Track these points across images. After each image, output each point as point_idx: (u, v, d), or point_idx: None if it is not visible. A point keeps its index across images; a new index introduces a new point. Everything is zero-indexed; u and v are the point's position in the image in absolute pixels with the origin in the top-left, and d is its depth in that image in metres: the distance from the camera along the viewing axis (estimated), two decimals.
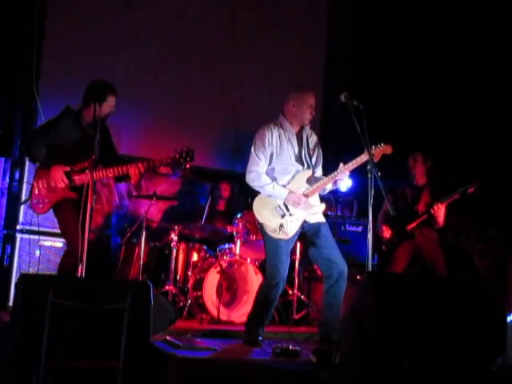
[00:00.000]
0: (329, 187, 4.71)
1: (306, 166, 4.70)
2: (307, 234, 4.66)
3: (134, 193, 6.87)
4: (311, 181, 4.68)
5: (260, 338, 4.55)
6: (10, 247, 5.75)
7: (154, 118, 6.96)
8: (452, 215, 6.00)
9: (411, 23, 7.43)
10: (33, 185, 4.87)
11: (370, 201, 4.27)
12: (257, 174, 4.59)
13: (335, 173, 4.57)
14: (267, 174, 4.63)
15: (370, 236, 4.19)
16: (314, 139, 4.83)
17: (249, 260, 5.95)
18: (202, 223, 6.39)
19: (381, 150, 4.52)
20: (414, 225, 5.85)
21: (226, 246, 6.14)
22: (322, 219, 4.72)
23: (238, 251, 5.97)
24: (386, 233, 5.92)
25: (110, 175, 4.81)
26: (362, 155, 4.47)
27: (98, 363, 3.55)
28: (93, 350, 3.56)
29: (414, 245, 5.92)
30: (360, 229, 6.41)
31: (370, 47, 7.58)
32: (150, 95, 6.93)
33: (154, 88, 6.95)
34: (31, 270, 5.47)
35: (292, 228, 4.56)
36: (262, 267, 6.14)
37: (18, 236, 5.67)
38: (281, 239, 4.54)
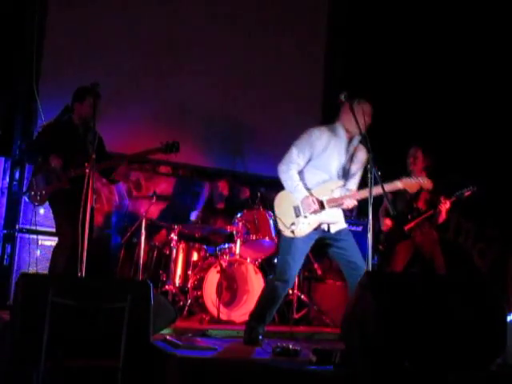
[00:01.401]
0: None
1: (340, 176, 4.59)
2: (327, 238, 4.62)
3: (135, 193, 6.88)
4: (337, 192, 4.57)
5: (260, 337, 4.55)
6: (10, 247, 5.77)
7: (153, 118, 6.96)
8: (452, 215, 6.00)
9: (412, 21, 7.44)
10: (31, 179, 5.15)
11: (370, 201, 4.27)
12: (287, 167, 4.53)
13: (347, 194, 4.51)
14: (300, 171, 4.56)
15: (369, 236, 4.18)
16: (360, 154, 4.61)
17: (249, 259, 5.95)
18: (199, 223, 6.39)
19: (419, 183, 4.48)
20: (411, 225, 5.85)
21: (226, 245, 6.13)
22: (343, 226, 4.66)
23: (237, 251, 5.97)
24: (388, 223, 5.90)
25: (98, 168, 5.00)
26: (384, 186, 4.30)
27: (98, 363, 3.55)
28: (93, 349, 3.56)
29: (413, 243, 5.92)
30: (360, 228, 6.40)
31: (370, 46, 7.58)
32: (150, 95, 6.94)
33: (154, 88, 6.96)
34: (31, 270, 5.48)
35: (301, 230, 4.51)
36: (262, 267, 6.15)
37: (18, 236, 5.68)
38: (296, 237, 4.51)
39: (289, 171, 4.54)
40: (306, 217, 4.50)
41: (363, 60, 7.58)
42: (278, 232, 6.09)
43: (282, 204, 4.61)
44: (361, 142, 4.57)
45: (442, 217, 5.78)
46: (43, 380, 3.36)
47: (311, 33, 7.87)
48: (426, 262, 5.93)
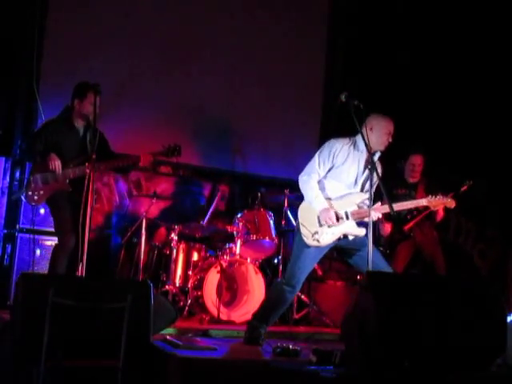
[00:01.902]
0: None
1: (359, 189, 4.60)
2: (343, 245, 4.60)
3: (135, 192, 6.88)
4: (361, 205, 4.57)
5: (262, 337, 4.54)
6: (10, 247, 5.76)
7: (154, 118, 6.96)
8: (452, 215, 6.02)
9: (411, 23, 7.44)
10: (29, 178, 5.04)
11: (371, 201, 4.27)
12: (309, 177, 4.53)
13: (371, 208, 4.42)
14: (319, 181, 4.57)
15: (370, 236, 4.18)
16: (378, 170, 4.55)
17: (249, 260, 5.95)
18: (202, 223, 6.39)
19: (443, 201, 4.60)
20: (411, 224, 5.85)
21: (227, 245, 6.13)
22: (362, 233, 4.59)
23: (238, 251, 5.97)
24: (388, 228, 5.91)
25: (119, 165, 5.09)
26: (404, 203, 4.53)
27: (98, 363, 3.55)
28: (93, 349, 3.56)
29: (414, 244, 5.92)
30: None
31: (370, 47, 7.58)
32: (151, 95, 6.94)
33: (154, 87, 6.96)
34: (31, 270, 5.47)
35: (325, 239, 4.48)
36: (263, 267, 6.15)
37: (18, 236, 5.68)
38: (311, 245, 4.49)
39: (310, 181, 4.53)
40: (329, 226, 4.48)
41: (363, 61, 7.58)
42: (283, 234, 6.11)
43: (307, 213, 4.55)
44: (379, 158, 4.59)
45: (440, 214, 5.78)
46: (43, 380, 3.35)
47: (311, 33, 7.86)
48: (426, 263, 5.93)
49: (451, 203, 4.61)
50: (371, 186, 4.33)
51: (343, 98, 4.38)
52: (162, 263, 6.26)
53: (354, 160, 4.55)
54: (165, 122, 7.00)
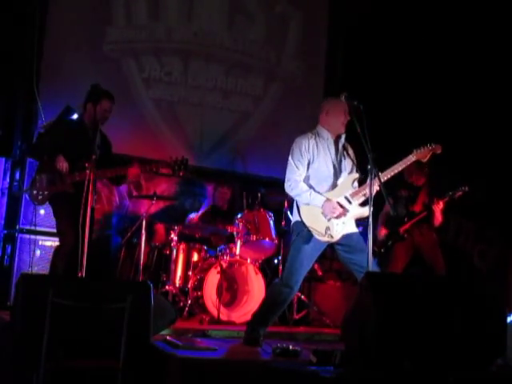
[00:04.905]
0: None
1: (343, 173, 4.60)
2: (340, 250, 4.58)
3: (135, 193, 6.89)
4: (355, 185, 4.58)
5: (261, 337, 4.54)
6: (10, 247, 5.76)
7: (154, 119, 6.97)
8: (452, 216, 6.01)
9: (412, 22, 7.44)
10: (35, 176, 5.05)
11: (371, 201, 4.27)
12: (295, 182, 4.53)
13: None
14: (304, 181, 4.56)
15: (370, 236, 4.18)
16: (350, 150, 4.69)
17: (249, 260, 5.95)
18: (193, 217, 6.41)
19: (430, 149, 4.57)
20: (406, 226, 5.85)
21: (226, 245, 6.13)
22: (355, 229, 4.63)
23: (238, 251, 5.97)
24: (383, 232, 5.91)
25: (109, 175, 5.04)
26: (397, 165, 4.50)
27: (98, 363, 3.55)
28: (93, 349, 3.56)
29: (412, 245, 5.91)
30: (360, 229, 6.39)
31: (370, 47, 7.58)
32: (151, 95, 6.94)
33: (154, 88, 6.96)
34: (31, 270, 5.47)
35: (338, 231, 4.47)
36: (263, 267, 6.15)
37: (19, 236, 5.68)
38: (306, 244, 4.47)
39: (298, 184, 4.52)
40: (337, 217, 4.46)
41: (363, 61, 7.58)
42: (283, 234, 6.11)
43: (310, 215, 4.50)
44: (348, 141, 4.66)
45: (438, 218, 5.77)
46: (43, 380, 3.36)
47: (312, 33, 7.87)
48: (426, 264, 5.92)
49: (437, 148, 4.60)
50: (371, 184, 4.30)
51: (343, 98, 4.38)
52: (161, 264, 6.26)
53: (324, 149, 4.59)
54: (166, 123, 7.01)
